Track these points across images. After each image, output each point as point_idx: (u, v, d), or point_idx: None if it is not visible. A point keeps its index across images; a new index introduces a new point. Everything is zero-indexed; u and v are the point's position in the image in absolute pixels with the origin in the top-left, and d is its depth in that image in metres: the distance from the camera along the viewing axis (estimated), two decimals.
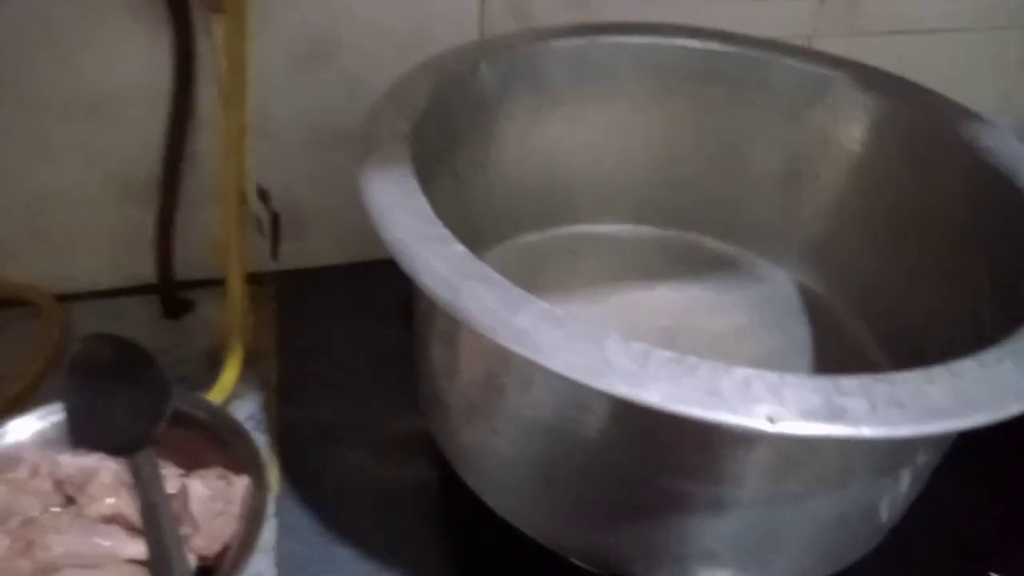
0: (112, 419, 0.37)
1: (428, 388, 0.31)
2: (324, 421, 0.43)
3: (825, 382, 0.21)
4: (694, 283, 0.45)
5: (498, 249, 0.44)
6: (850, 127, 0.39)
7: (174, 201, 0.46)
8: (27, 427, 0.36)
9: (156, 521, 0.33)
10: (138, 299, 0.49)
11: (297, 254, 0.51)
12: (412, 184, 0.27)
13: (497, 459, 0.29)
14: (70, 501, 0.35)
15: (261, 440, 0.41)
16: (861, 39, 0.52)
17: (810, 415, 0.19)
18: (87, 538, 0.33)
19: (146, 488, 0.34)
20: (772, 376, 0.21)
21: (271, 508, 0.38)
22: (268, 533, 0.37)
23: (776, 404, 0.20)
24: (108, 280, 0.50)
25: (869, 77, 0.39)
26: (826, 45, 0.50)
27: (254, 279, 0.52)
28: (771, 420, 0.19)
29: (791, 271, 0.45)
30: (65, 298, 0.48)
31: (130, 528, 0.34)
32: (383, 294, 0.51)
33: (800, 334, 0.42)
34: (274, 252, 0.52)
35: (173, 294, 0.49)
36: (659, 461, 0.24)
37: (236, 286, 0.41)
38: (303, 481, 0.40)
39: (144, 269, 0.49)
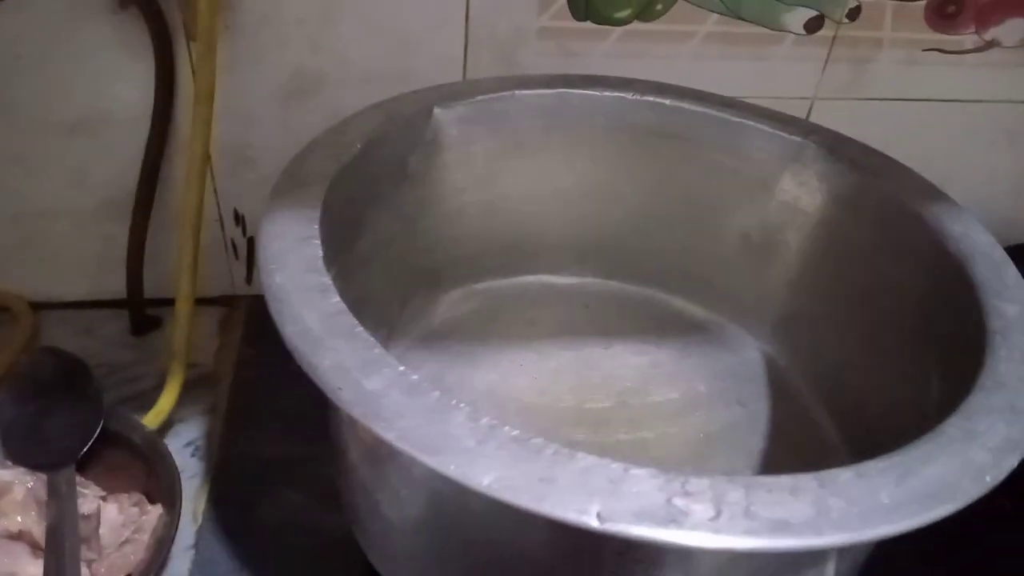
0: (41, 434, 0.37)
1: (333, 437, 0.30)
2: (265, 457, 0.42)
3: (675, 481, 0.19)
4: (656, 344, 0.43)
5: (455, 293, 0.44)
6: (817, 197, 0.38)
7: (147, 221, 0.46)
8: None
9: (59, 542, 0.33)
10: (109, 312, 0.50)
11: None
12: (311, 230, 0.26)
13: (380, 523, 0.28)
14: None
15: (197, 468, 0.41)
16: (864, 104, 0.50)
17: (643, 516, 0.18)
18: None
19: (58, 507, 0.34)
20: (617, 468, 0.19)
21: (187, 540, 0.37)
22: (183, 565, 0.37)
23: (612, 500, 0.18)
24: (82, 292, 0.51)
25: (841, 146, 0.37)
26: (828, 109, 0.49)
27: (225, 301, 0.53)
28: (599, 518, 0.18)
29: (759, 340, 0.43)
30: (40, 306, 0.50)
31: (35, 547, 0.34)
32: None
33: (758, 408, 0.40)
34: (249, 276, 0.53)
35: (141, 311, 0.49)
36: (513, 549, 0.22)
37: (184, 309, 0.42)
38: (231, 516, 0.39)
39: (116, 284, 0.49)
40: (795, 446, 0.38)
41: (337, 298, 0.24)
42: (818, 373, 0.39)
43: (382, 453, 0.24)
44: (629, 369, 0.42)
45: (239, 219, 0.49)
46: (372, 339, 0.22)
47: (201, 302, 0.52)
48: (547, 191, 0.43)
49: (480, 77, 0.44)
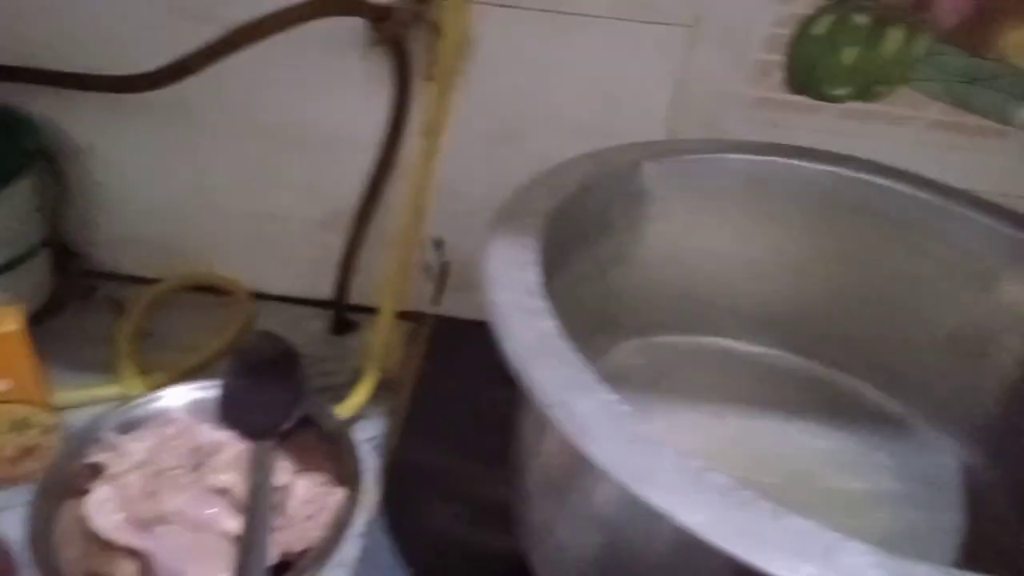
0: (254, 406, 0.42)
1: (513, 456, 0.32)
2: (435, 466, 0.45)
3: (897, 564, 0.19)
4: (837, 429, 0.41)
5: (631, 343, 0.44)
6: None
7: (363, 235, 0.52)
8: (182, 395, 0.42)
9: (257, 505, 0.37)
10: (313, 311, 0.56)
11: (461, 304, 0.55)
12: (530, 257, 0.29)
13: (556, 548, 0.29)
14: (197, 467, 0.40)
15: (373, 463, 0.44)
16: None
17: None
18: (197, 503, 0.37)
19: (259, 474, 0.38)
20: (833, 536, 0.19)
21: (359, 527, 0.40)
22: (352, 551, 0.39)
23: (825, 567, 0.18)
24: (295, 289, 0.57)
25: None
26: None
27: (414, 316, 0.57)
28: None
29: (958, 445, 0.40)
30: (256, 295, 0.56)
31: (235, 505, 0.38)
32: None
33: (950, 518, 0.37)
34: (436, 298, 0.57)
35: (343, 314, 0.55)
36: None
37: (387, 319, 0.45)
38: (399, 514, 0.42)
39: (324, 287, 0.55)
40: (989, 567, 0.35)
41: (553, 321, 0.25)
42: None
43: (577, 475, 0.25)
44: (805, 450, 0.40)
45: (439, 245, 0.53)
46: (584, 364, 0.24)
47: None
48: (741, 256, 0.43)
49: (685, 138, 0.45)
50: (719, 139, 0.43)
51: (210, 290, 0.56)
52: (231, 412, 0.41)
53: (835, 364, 0.43)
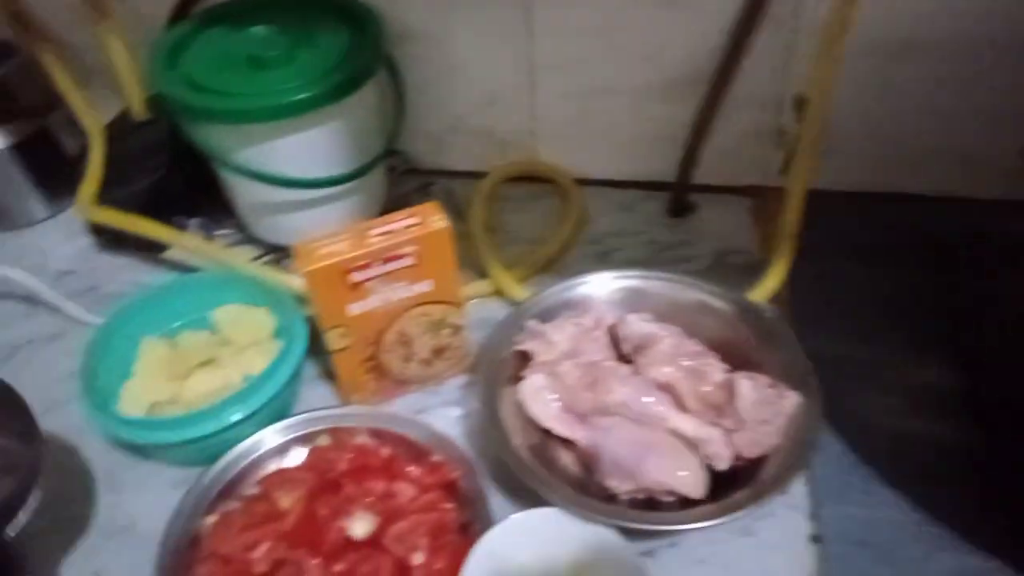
0: None
1: None
2: (835, 354, 0.40)
3: None
4: None
5: None
6: None
7: (720, 100, 0.45)
8: (605, 283, 0.39)
9: None
10: (644, 194, 0.51)
11: (814, 173, 0.48)
12: None
13: None
14: (622, 359, 0.37)
15: None
16: None
17: None
18: (640, 396, 0.35)
19: None
20: None
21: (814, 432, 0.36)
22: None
23: None
24: (620, 172, 0.52)
25: None
26: None
27: (753, 192, 0.51)
28: None
29: None
30: (579, 182, 0.52)
31: (678, 402, 0.35)
32: (905, 232, 0.47)
33: None
34: (786, 166, 0.50)
35: (683, 195, 0.49)
36: None
37: (797, 195, 0.40)
38: (835, 410, 0.37)
39: (658, 167, 0.50)
40: None
41: None
42: None
43: None
44: None
45: (801, 104, 0.46)
46: None
47: (725, 190, 0.51)
48: None
49: None
50: None
51: (533, 179, 0.53)
52: None
53: None
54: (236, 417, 0.35)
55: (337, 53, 0.41)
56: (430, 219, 0.34)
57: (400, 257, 0.34)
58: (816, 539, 0.34)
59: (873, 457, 0.36)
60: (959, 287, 0.42)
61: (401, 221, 0.34)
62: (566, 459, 0.35)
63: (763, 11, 0.42)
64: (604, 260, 0.47)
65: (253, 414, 0.35)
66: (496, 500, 0.34)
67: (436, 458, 0.35)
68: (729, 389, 0.35)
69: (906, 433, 0.37)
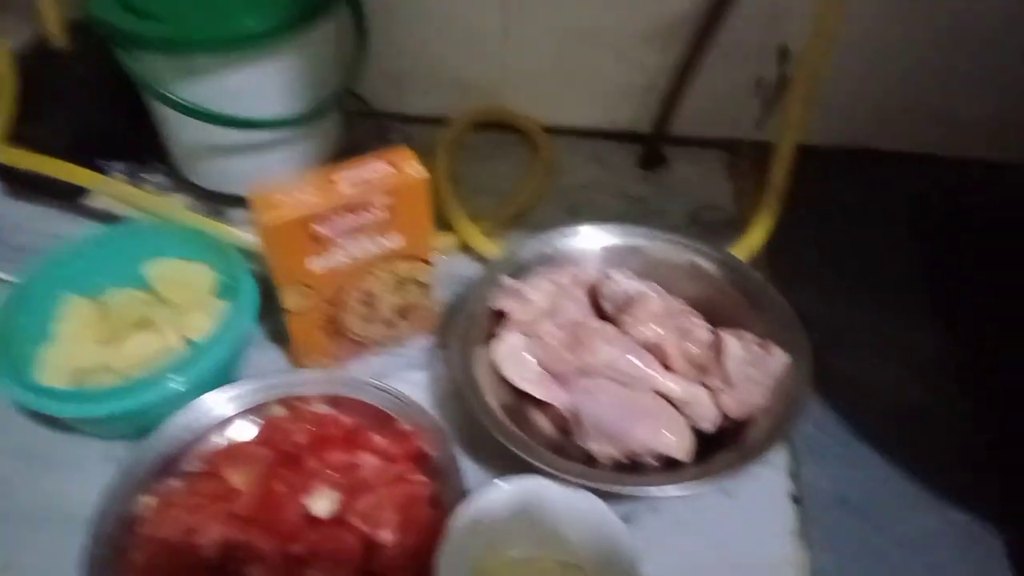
0: None
1: None
2: (820, 314, 0.39)
3: None
4: None
5: None
6: None
7: (705, 47, 0.42)
8: (582, 239, 0.36)
9: None
10: (615, 144, 0.49)
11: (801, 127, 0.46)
12: None
13: None
14: (602, 317, 0.35)
15: None
16: None
17: None
18: (626, 356, 0.32)
19: None
20: None
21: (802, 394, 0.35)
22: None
23: None
24: (590, 121, 0.49)
25: None
26: None
27: (727, 146, 0.49)
28: None
29: None
30: (549, 130, 0.49)
31: (665, 363, 0.33)
32: (888, 191, 0.46)
33: None
34: (763, 119, 0.48)
35: (657, 147, 0.47)
36: None
37: (787, 150, 0.38)
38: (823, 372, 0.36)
39: (631, 116, 0.47)
40: None
41: None
42: None
43: None
44: None
45: (784, 55, 0.44)
46: None
47: (699, 143, 0.49)
48: None
49: None
50: None
51: (500, 127, 0.49)
52: None
53: None
54: (177, 387, 0.31)
55: None
56: (405, 167, 0.30)
57: (370, 209, 0.30)
58: (797, 499, 0.33)
59: (852, 416, 0.35)
60: (941, 247, 0.42)
61: (371, 169, 0.31)
62: (541, 422, 0.33)
63: None
64: (574, 214, 0.44)
65: (197, 383, 0.31)
66: (467, 469, 0.32)
67: (403, 426, 0.32)
68: (716, 348, 0.33)
69: (884, 392, 0.36)
